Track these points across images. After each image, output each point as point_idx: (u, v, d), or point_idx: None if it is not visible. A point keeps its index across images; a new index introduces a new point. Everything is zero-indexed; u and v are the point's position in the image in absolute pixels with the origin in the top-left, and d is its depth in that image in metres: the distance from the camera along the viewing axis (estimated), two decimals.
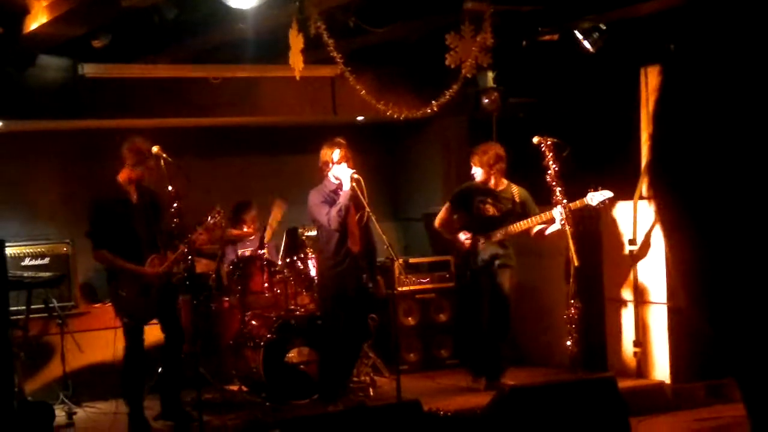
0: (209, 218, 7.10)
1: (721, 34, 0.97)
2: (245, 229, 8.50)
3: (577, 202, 7.48)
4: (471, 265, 7.91)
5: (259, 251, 8.16)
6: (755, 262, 0.93)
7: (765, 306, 0.93)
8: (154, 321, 7.20)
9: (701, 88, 0.97)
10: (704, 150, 0.96)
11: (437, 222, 8.17)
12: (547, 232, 7.67)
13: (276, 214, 8.41)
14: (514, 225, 7.83)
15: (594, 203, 7.47)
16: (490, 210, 7.93)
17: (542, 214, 7.67)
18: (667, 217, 1.02)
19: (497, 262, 7.89)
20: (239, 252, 8.40)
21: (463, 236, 7.92)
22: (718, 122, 0.95)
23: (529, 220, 7.78)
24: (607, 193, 7.45)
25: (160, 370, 7.31)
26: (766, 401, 0.97)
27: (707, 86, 0.97)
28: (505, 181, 7.98)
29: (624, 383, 6.67)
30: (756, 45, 0.94)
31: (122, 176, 7.12)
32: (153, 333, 7.28)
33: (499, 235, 7.86)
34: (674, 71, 1.02)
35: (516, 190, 7.98)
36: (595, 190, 7.45)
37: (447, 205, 8.15)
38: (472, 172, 7.97)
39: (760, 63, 0.93)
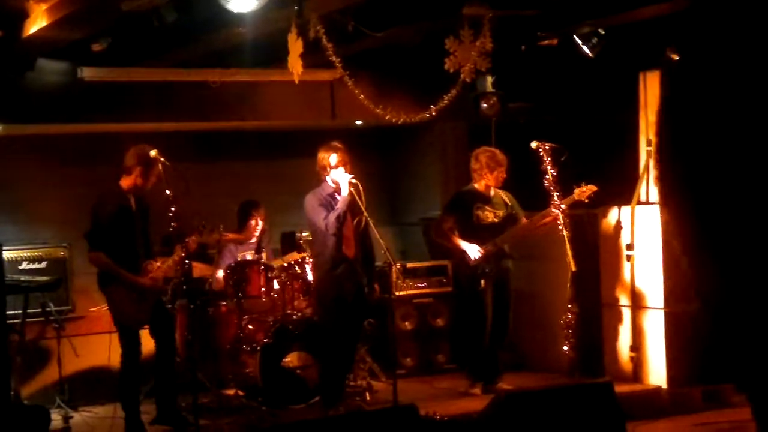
0: (195, 236, 7.21)
1: (724, 38, 0.97)
2: (251, 228, 8.40)
3: (567, 199, 7.60)
4: (475, 271, 7.87)
5: (256, 255, 8.16)
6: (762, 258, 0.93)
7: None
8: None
9: (705, 90, 0.98)
10: (710, 150, 0.96)
11: (440, 234, 8.07)
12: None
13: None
14: (517, 228, 7.87)
15: (583, 197, 7.61)
16: (490, 216, 7.93)
17: (543, 212, 7.72)
18: (675, 218, 1.02)
19: (500, 267, 7.89)
20: (239, 256, 8.32)
21: (475, 249, 7.83)
22: (722, 122, 0.95)
23: (533, 219, 7.83)
24: (592, 187, 7.60)
25: (154, 375, 7.31)
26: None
27: (711, 88, 0.97)
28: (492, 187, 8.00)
29: (621, 388, 6.65)
30: (756, 48, 0.94)
31: (126, 183, 7.11)
32: (149, 338, 7.27)
33: (508, 239, 7.87)
34: (678, 74, 1.02)
35: (504, 194, 8.01)
36: (578, 186, 7.61)
37: (446, 215, 8.09)
38: (480, 179, 7.93)
39: (760, 65, 0.93)
